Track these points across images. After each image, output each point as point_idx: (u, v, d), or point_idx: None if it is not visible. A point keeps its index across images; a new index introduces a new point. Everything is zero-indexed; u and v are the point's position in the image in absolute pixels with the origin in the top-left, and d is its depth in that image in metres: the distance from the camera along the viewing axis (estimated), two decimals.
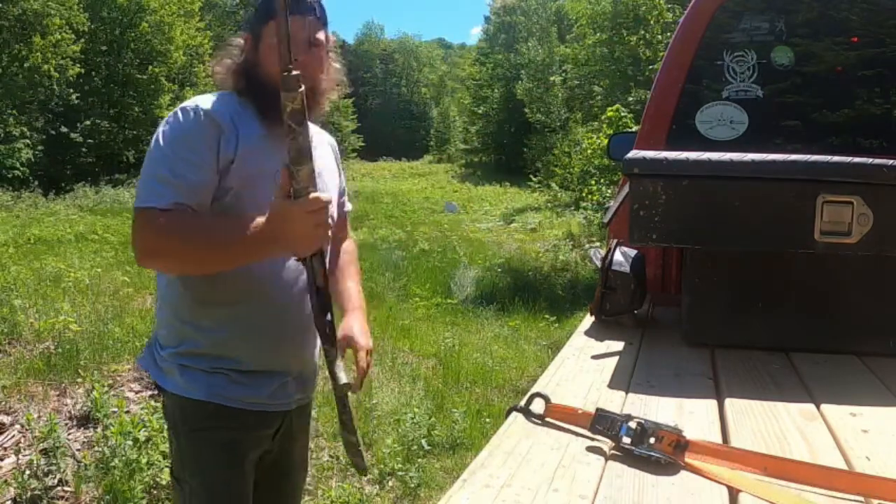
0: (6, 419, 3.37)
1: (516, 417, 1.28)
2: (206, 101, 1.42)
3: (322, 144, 1.67)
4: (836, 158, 1.68)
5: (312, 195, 1.22)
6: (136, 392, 3.89)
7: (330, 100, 1.58)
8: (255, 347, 1.47)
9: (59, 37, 18.96)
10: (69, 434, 3.25)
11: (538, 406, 1.28)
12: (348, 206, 1.84)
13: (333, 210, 1.63)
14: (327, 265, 1.74)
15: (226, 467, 1.47)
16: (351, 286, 1.77)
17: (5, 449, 3.10)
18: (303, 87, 1.20)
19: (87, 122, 20.40)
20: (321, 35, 1.49)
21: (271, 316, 1.45)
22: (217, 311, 1.45)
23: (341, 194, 1.76)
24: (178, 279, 1.47)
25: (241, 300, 1.45)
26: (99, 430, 3.22)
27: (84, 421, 3.42)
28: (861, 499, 0.99)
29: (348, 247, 1.86)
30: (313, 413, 3.67)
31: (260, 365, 1.48)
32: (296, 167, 1.22)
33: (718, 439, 1.23)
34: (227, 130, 1.39)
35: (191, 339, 1.46)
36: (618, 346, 1.86)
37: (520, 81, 30.24)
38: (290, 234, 1.24)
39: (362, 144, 38.74)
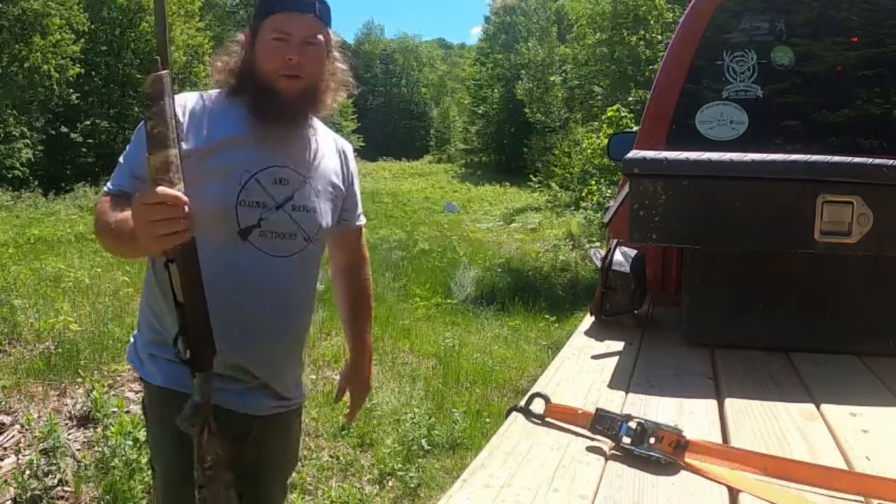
0: (6, 419, 3.37)
1: (516, 417, 1.28)
2: (183, 96, 1.44)
3: (330, 150, 1.61)
4: (836, 158, 1.68)
5: (158, 188, 1.15)
6: (136, 392, 3.88)
7: (337, 100, 1.56)
8: None
9: (59, 37, 18.97)
10: (69, 434, 3.25)
11: (538, 406, 1.28)
12: (361, 221, 1.73)
13: (326, 219, 1.55)
14: (341, 279, 1.74)
15: (178, 452, 1.43)
16: (360, 332, 1.78)
17: (5, 449, 3.09)
18: (165, 72, 1.16)
19: (87, 122, 20.42)
20: (320, 34, 1.47)
21: (225, 317, 1.34)
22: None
23: (350, 208, 1.67)
24: (153, 270, 1.49)
25: None
26: (99, 430, 3.22)
27: (84, 421, 3.41)
28: (861, 499, 0.99)
29: (362, 281, 1.79)
30: (314, 413, 3.70)
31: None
32: (148, 155, 1.17)
33: (718, 439, 1.23)
34: (189, 126, 1.39)
35: (157, 329, 1.49)
36: (618, 346, 1.86)
37: (520, 81, 30.24)
38: (135, 228, 1.18)
39: (362, 144, 38.72)
